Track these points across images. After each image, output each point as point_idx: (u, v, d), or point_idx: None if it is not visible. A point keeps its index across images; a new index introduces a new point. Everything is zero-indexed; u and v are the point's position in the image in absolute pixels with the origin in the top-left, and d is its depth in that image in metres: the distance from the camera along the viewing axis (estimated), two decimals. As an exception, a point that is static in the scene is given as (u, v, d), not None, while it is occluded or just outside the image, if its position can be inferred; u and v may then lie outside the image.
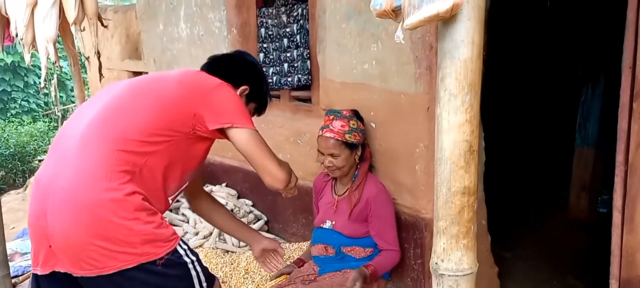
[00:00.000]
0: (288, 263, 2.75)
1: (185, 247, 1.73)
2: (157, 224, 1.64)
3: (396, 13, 1.16)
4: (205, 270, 1.79)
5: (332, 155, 2.47)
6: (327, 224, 2.60)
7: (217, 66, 1.95)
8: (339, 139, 2.46)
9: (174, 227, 3.52)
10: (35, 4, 2.88)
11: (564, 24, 4.64)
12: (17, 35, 2.97)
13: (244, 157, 1.81)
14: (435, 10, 1.07)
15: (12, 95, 11.71)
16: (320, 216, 2.69)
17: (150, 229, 1.60)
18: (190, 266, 1.72)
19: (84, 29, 3.07)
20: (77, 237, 1.55)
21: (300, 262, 2.73)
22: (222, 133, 1.76)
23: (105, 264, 1.56)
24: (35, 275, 1.71)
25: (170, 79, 1.79)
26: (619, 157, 1.68)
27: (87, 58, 5.18)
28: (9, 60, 11.19)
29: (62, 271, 1.62)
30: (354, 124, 2.51)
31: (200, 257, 3.04)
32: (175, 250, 1.68)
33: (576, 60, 4.36)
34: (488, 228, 2.74)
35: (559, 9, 4.57)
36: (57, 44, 3.06)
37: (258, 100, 2.06)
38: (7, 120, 11.21)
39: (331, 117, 2.53)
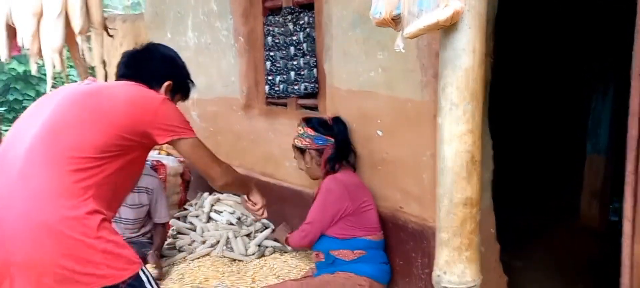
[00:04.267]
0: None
1: (148, 273, 1.70)
2: (120, 244, 1.63)
3: (396, 21, 1.15)
4: None
5: (295, 157, 2.83)
6: None
7: (138, 73, 1.99)
8: (293, 143, 2.79)
9: (181, 236, 3.53)
10: (41, 14, 2.90)
11: (574, 31, 4.59)
12: (23, 46, 2.99)
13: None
14: (435, 19, 1.05)
15: (24, 104, 11.78)
16: None
17: (112, 248, 1.59)
18: None
19: (89, 38, 3.08)
20: (40, 259, 1.51)
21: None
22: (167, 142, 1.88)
23: None
24: None
25: (116, 96, 1.79)
26: (629, 166, 1.65)
27: (93, 68, 5.20)
28: (20, 69, 11.28)
29: None
30: (301, 130, 2.76)
31: (208, 264, 3.08)
32: (138, 276, 1.64)
33: (586, 68, 4.31)
34: (497, 237, 2.70)
35: (569, 16, 4.53)
36: (64, 54, 3.08)
37: (182, 90, 2.17)
38: (19, 129, 11.32)
39: None
